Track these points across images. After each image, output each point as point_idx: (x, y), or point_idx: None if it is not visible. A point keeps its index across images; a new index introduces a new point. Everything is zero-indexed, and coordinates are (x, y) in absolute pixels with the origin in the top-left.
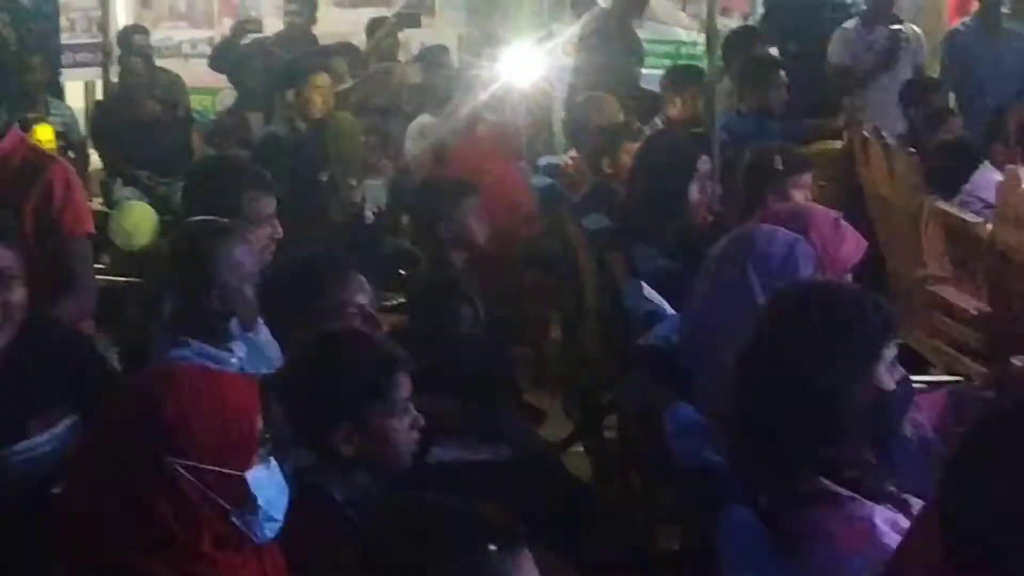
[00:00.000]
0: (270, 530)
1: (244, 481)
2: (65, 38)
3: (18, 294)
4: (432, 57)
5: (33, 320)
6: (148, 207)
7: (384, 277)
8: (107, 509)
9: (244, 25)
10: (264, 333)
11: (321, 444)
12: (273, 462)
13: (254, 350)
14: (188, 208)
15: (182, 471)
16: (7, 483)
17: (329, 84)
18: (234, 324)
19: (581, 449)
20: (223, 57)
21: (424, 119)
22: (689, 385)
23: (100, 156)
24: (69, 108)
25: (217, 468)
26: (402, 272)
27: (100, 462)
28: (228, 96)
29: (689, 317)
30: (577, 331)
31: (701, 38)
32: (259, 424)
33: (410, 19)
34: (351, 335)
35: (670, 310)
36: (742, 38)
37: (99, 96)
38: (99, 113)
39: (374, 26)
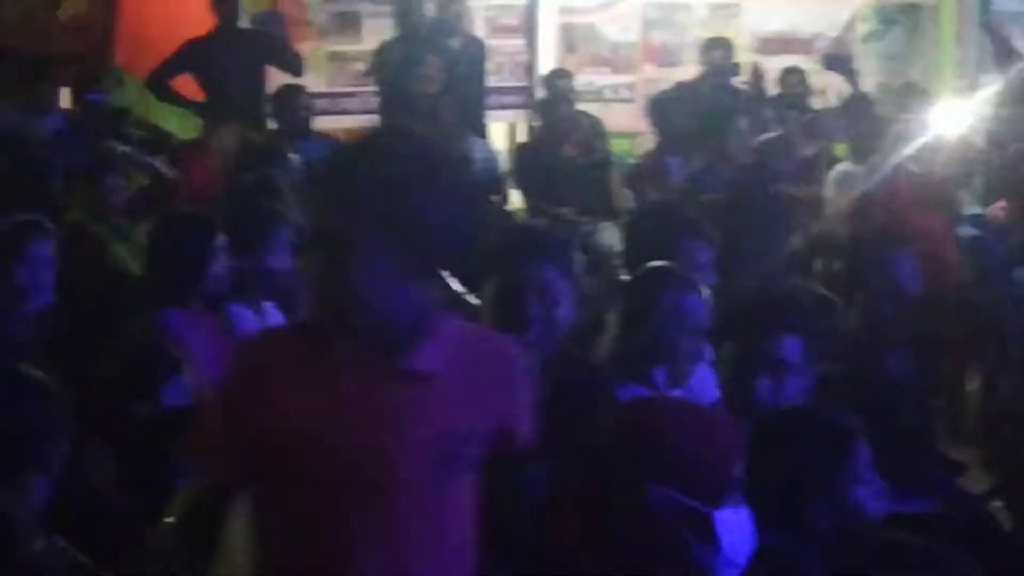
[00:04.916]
0: (728, 574)
1: (711, 519)
2: (492, 80)
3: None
4: (856, 106)
5: None
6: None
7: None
8: (586, 530)
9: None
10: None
11: (795, 520)
12: (744, 508)
13: None
14: (628, 252)
15: (657, 498)
16: None
17: (746, 129)
18: (661, 374)
19: (1000, 504)
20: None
21: (846, 167)
22: None
23: (522, 196)
24: (489, 147)
25: (689, 500)
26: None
27: (581, 484)
28: (648, 140)
29: None
30: (999, 383)
31: None
32: (737, 467)
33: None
34: (808, 410)
35: None
36: None
37: (520, 137)
38: (520, 155)
39: (785, 76)
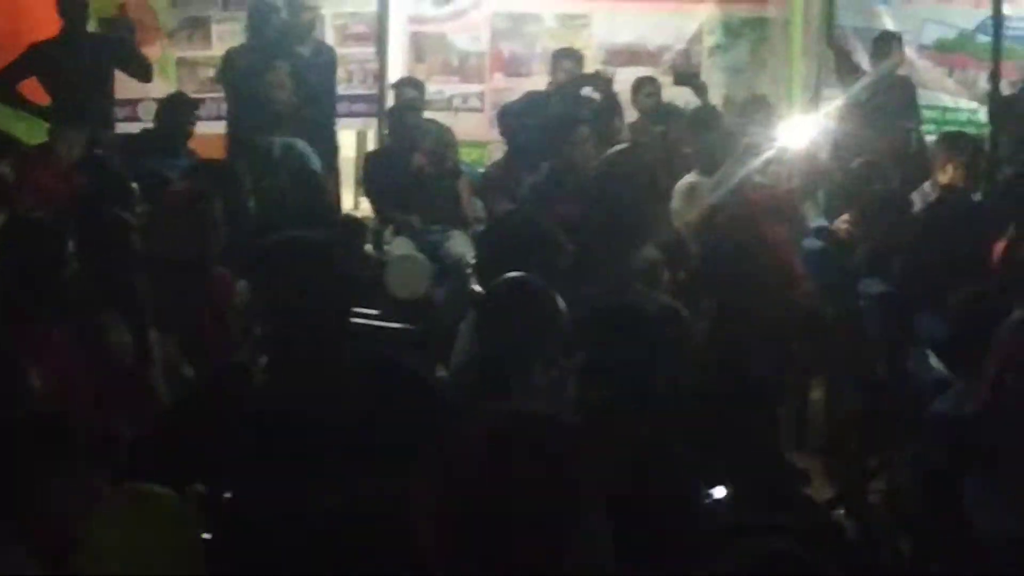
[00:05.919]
0: None
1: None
2: (342, 88)
3: None
4: (703, 119)
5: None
6: (423, 258)
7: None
8: (446, 546)
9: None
10: None
11: None
12: (607, 522)
13: None
14: (483, 262)
15: (521, 511)
16: None
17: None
18: (517, 385)
19: (842, 512)
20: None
21: (692, 179)
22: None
23: (371, 204)
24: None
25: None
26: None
27: (444, 498)
28: (497, 149)
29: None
30: (842, 394)
31: (967, 104)
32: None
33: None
34: None
35: (954, 378)
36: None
37: (370, 145)
38: (370, 163)
39: (640, 85)
